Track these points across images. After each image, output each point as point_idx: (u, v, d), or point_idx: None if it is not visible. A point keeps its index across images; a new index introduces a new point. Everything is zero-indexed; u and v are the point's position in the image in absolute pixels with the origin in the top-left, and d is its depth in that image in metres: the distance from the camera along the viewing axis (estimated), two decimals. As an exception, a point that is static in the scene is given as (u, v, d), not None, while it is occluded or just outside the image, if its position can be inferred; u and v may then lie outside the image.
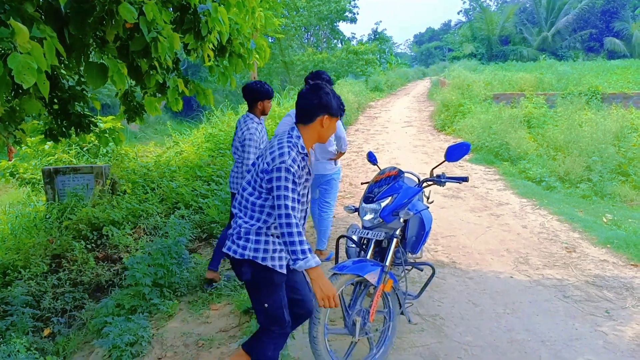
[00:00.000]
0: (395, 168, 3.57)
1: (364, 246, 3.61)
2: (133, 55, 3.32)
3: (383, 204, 3.33)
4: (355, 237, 3.60)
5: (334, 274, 3.01)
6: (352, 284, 3.14)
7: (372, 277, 3.04)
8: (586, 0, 41.65)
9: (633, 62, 30.76)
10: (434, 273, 3.68)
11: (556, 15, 42.71)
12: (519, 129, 11.83)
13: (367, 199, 3.42)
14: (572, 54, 40.69)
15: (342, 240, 4.60)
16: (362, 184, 4.72)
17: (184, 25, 3.66)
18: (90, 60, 3.28)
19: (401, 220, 3.31)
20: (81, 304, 4.51)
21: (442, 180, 3.43)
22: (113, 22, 2.79)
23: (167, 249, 4.50)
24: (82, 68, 3.42)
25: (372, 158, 4.11)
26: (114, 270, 5.18)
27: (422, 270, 4.25)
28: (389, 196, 3.34)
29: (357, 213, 3.62)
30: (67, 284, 4.86)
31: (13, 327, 4.00)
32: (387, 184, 3.41)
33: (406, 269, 3.64)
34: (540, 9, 44.21)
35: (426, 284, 3.71)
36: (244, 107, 13.74)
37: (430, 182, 3.51)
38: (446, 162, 3.41)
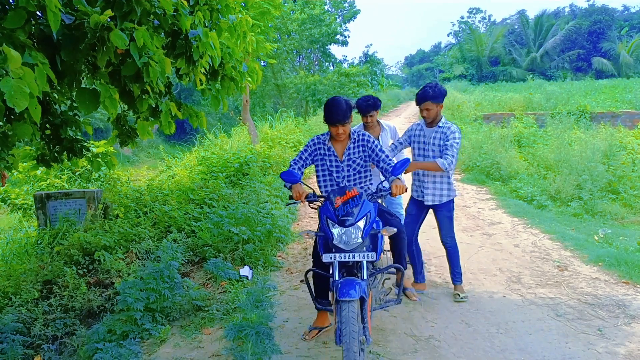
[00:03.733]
0: (354, 187, 3.53)
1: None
2: (125, 80, 3.35)
3: (361, 225, 3.33)
4: (337, 262, 3.36)
5: (344, 301, 3.01)
6: None
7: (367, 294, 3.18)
8: (573, 21, 42.51)
9: (620, 82, 31.23)
10: (403, 272, 3.73)
11: (544, 37, 43.49)
12: (509, 149, 11.94)
13: (343, 222, 3.31)
14: (561, 74, 41.33)
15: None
16: (287, 205, 4.16)
17: (175, 50, 3.71)
18: (82, 85, 3.30)
19: (386, 237, 3.48)
20: (72, 331, 4.46)
21: (386, 192, 3.63)
22: (104, 49, 2.81)
23: (159, 273, 4.48)
24: (74, 93, 3.45)
25: (288, 178, 3.71)
26: (105, 295, 5.14)
27: (394, 274, 4.20)
28: (364, 216, 3.35)
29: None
30: (58, 310, 4.81)
31: (3, 355, 3.94)
32: (357, 204, 3.37)
33: (378, 277, 3.88)
34: (528, 30, 45.01)
35: (400, 285, 3.73)
36: (235, 130, 13.79)
37: (377, 196, 3.67)
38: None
